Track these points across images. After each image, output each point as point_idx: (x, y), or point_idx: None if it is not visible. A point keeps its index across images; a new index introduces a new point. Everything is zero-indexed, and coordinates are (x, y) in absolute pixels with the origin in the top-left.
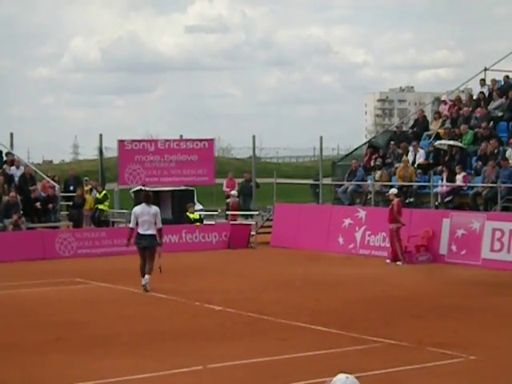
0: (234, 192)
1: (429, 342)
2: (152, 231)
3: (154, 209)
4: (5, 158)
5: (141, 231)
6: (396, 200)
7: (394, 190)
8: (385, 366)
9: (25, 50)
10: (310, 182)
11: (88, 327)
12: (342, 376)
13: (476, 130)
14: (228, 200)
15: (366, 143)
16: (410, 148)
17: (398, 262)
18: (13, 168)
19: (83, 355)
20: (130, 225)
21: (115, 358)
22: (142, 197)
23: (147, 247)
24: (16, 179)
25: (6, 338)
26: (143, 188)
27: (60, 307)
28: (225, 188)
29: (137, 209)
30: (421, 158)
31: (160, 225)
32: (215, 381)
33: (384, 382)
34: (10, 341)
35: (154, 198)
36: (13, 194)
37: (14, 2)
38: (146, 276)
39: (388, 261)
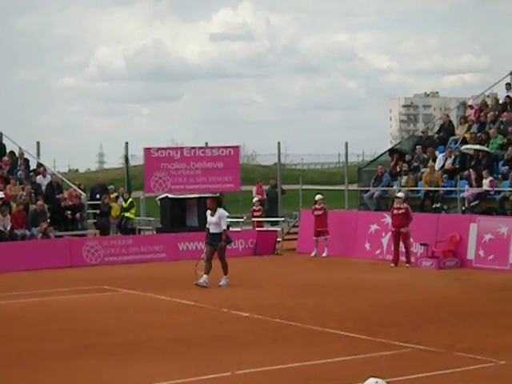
0: (255, 199)
1: (458, 347)
2: None
3: None
4: (32, 167)
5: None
6: (405, 204)
7: (402, 195)
8: (414, 371)
9: (51, 60)
10: (336, 187)
11: (116, 334)
12: (372, 380)
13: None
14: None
15: (391, 149)
16: (441, 153)
17: (407, 265)
18: (39, 177)
19: (111, 362)
20: (224, 227)
21: (143, 364)
22: (221, 202)
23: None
24: (43, 188)
25: (35, 345)
26: (169, 196)
27: (88, 315)
28: (254, 194)
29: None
30: (448, 162)
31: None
32: None
33: None
34: (40, 348)
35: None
36: (40, 202)
37: (40, 13)
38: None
39: (392, 265)
